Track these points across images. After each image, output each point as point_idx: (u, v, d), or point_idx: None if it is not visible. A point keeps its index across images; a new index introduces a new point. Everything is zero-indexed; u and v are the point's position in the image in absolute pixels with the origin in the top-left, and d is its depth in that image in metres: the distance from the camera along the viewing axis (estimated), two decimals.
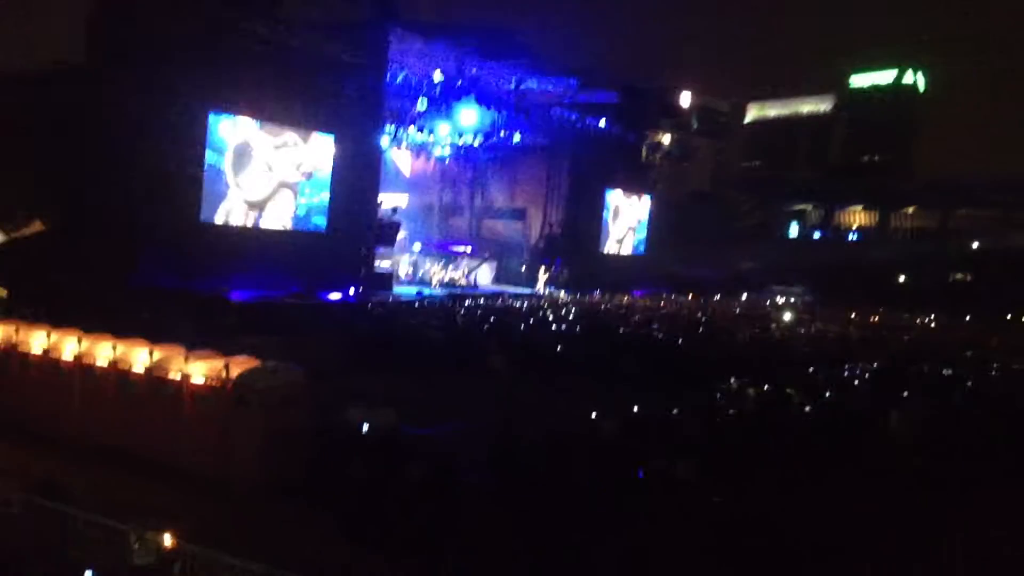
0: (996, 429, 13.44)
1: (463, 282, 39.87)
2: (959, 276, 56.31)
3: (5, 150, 27.41)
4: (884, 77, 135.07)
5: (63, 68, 27.03)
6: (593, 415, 12.30)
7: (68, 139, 24.77)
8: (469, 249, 43.30)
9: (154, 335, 11.57)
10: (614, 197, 47.80)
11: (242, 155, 27.37)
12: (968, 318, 38.25)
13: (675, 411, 12.97)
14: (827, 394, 15.37)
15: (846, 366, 19.34)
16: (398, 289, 33.72)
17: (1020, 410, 15.11)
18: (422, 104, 36.86)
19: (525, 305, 30.55)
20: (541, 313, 27.63)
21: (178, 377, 10.58)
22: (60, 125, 25.47)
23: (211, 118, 26.23)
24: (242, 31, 25.68)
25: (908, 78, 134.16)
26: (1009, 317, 40.22)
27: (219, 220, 27.03)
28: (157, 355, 10.89)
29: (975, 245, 62.04)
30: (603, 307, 33.30)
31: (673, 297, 41.86)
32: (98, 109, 23.61)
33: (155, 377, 10.76)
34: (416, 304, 28.34)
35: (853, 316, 35.38)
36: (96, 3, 23.94)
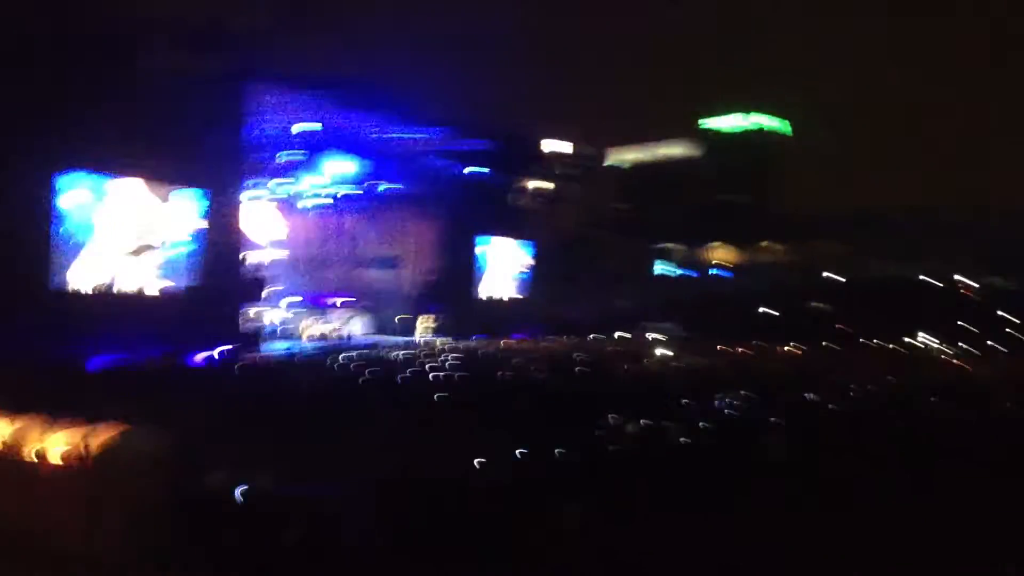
0: (860, 447, 14.11)
1: (337, 335, 39.08)
2: (817, 305, 59.38)
3: None
4: (736, 121, 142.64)
5: None
6: (474, 461, 12.16)
7: None
8: (341, 301, 42.58)
9: (9, 412, 10.81)
10: (487, 242, 48.25)
11: (93, 216, 26.12)
12: (827, 344, 40.28)
13: (557, 451, 12.98)
14: (701, 424, 15.78)
15: (716, 397, 19.94)
16: (268, 346, 32.72)
17: (879, 426, 15.95)
18: (287, 156, 36.36)
19: (402, 355, 30.18)
20: (418, 362, 27.33)
21: (37, 450, 9.90)
22: None
23: (57, 179, 24.97)
24: (89, 85, 24.62)
25: (760, 121, 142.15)
26: (862, 341, 42.62)
27: (72, 286, 25.62)
28: (13, 428, 10.17)
29: (831, 275, 65.73)
30: (480, 352, 33.27)
31: (551, 338, 42.31)
32: None
33: (12, 451, 10.02)
34: (287, 360, 27.54)
35: (721, 348, 36.63)
36: None
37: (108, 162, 26.20)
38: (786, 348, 38.61)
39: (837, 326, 47.13)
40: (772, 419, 16.24)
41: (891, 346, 40.74)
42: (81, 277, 25.95)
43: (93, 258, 26.20)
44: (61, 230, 25.20)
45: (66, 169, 25.19)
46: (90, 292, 26.11)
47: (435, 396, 20.33)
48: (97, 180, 26.13)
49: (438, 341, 38.71)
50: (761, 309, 57.14)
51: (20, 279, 23.44)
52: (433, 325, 41.86)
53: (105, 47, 25.52)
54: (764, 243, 73.82)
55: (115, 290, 26.97)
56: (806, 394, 20.60)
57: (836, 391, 21.56)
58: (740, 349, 37.29)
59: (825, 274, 65.85)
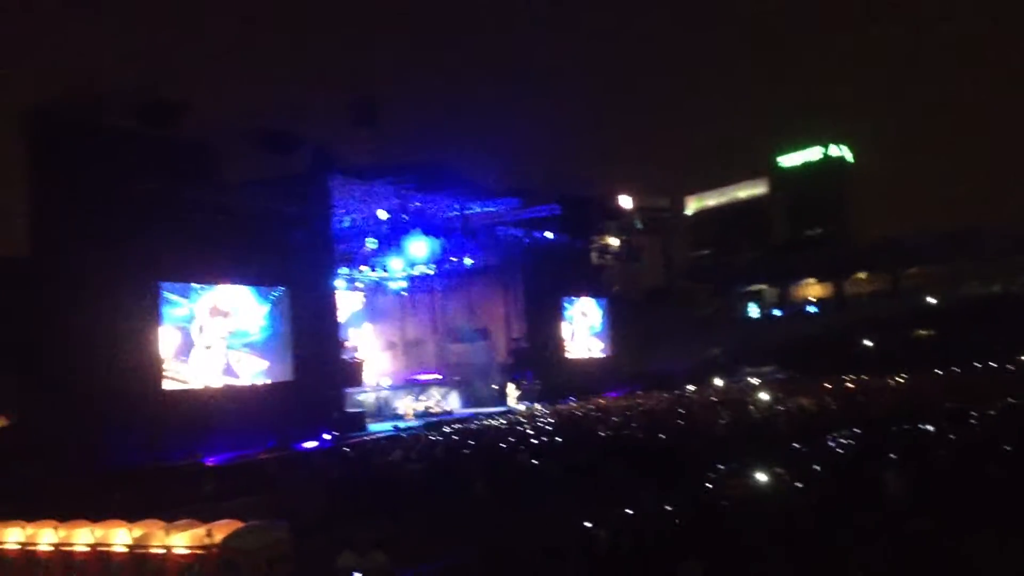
0: (986, 477, 13.46)
1: (436, 410, 39.53)
2: (921, 332, 57.30)
3: None
4: (811, 154, 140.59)
5: (6, 261, 27.13)
6: (587, 525, 12.08)
7: (19, 331, 24.60)
8: (438, 376, 43.18)
9: (131, 513, 11.30)
10: (572, 303, 48.41)
11: (197, 318, 27.36)
12: (937, 372, 38.72)
13: (668, 508, 12.80)
14: (815, 467, 15.32)
15: (827, 436, 19.35)
16: (372, 427, 33.32)
17: (1006, 451, 15.19)
18: (372, 243, 37.50)
19: (501, 423, 30.31)
20: (519, 428, 27.39)
21: (161, 551, 10.27)
22: (8, 319, 25.39)
23: (163, 287, 26.31)
24: (185, 200, 26.07)
25: (834, 151, 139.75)
26: (977, 365, 40.78)
27: (182, 386, 26.73)
28: (137, 532, 10.61)
29: (931, 301, 63.45)
30: (579, 413, 33.12)
31: (646, 393, 41.84)
32: (47, 298, 23.65)
33: (137, 554, 10.43)
34: (392, 439, 27.96)
35: (827, 386, 35.57)
36: (35, 196, 24.13)
37: (207, 269, 27.48)
38: (893, 379, 37.23)
39: (943, 351, 45.30)
40: (890, 455, 15.66)
41: (1008, 367, 38.76)
42: (189, 377, 27.06)
43: (199, 358, 27.33)
44: (168, 333, 26.41)
45: (170, 277, 26.51)
46: (199, 390, 27.17)
47: (538, 462, 20.34)
48: (198, 287, 27.40)
49: (535, 406, 38.74)
50: (863, 342, 55.43)
51: (133, 382, 24.57)
52: (526, 391, 41.96)
53: (196, 160, 27.10)
54: (856, 274, 71.72)
55: (223, 386, 27.99)
56: (920, 425, 19.79)
57: (954, 419, 20.66)
58: (845, 385, 36.16)
59: (926, 299, 63.60)
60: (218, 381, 27.92)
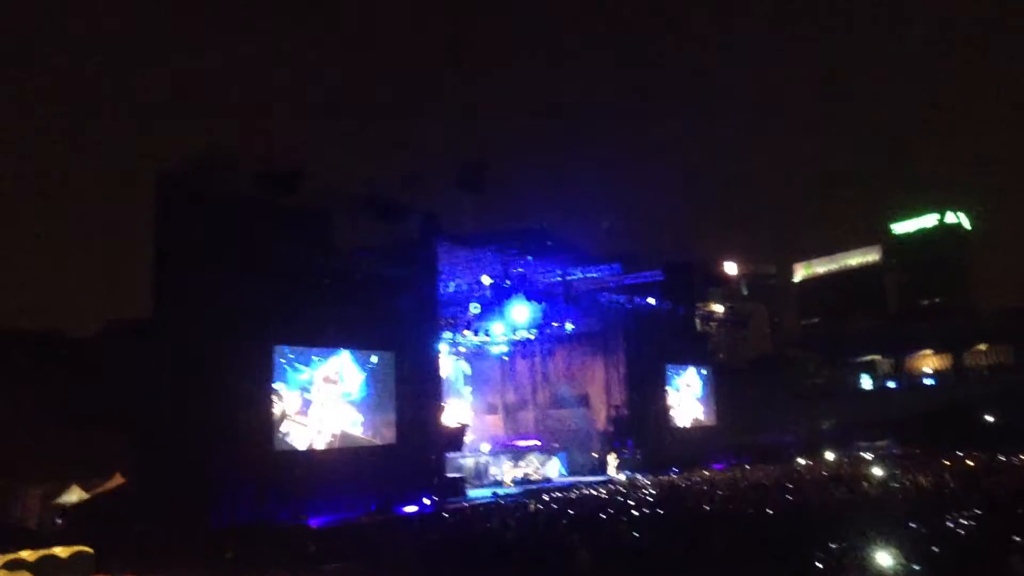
0: None
1: (535, 476, 39.27)
2: None
3: (79, 409, 28.68)
4: (926, 221, 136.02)
5: (127, 323, 28.46)
6: None
7: (138, 392, 25.80)
8: (538, 443, 42.97)
9: (240, 573, 11.61)
10: (675, 371, 47.64)
11: (309, 381, 28.18)
12: None
13: None
14: (934, 549, 14.52)
15: (948, 516, 18.32)
16: (472, 492, 33.33)
17: None
18: (475, 308, 38.06)
19: (602, 493, 29.83)
20: (619, 499, 26.90)
21: None
22: (127, 379, 26.69)
23: (276, 350, 27.25)
24: (297, 266, 27.09)
25: (951, 218, 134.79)
26: None
27: (292, 447, 27.43)
28: None
29: None
30: (683, 485, 32.30)
31: (753, 466, 40.52)
32: (164, 359, 24.59)
33: None
34: (491, 506, 27.85)
35: (946, 463, 33.77)
36: (159, 259, 25.32)
37: (318, 333, 28.38)
38: (1018, 457, 34.98)
39: None
40: (1015, 538, 14.72)
41: None
42: (300, 441, 27.77)
43: (310, 422, 28.06)
44: (279, 397, 27.26)
45: (284, 340, 27.47)
46: (306, 452, 27.81)
47: (641, 535, 19.91)
48: (309, 351, 28.28)
49: (637, 476, 38.02)
50: (984, 416, 52.45)
51: (247, 448, 25.35)
52: (626, 460, 41.26)
53: (311, 227, 28.24)
54: (976, 346, 68.20)
55: (330, 449, 28.60)
56: None
57: None
58: (965, 462, 34.21)
59: None
60: (324, 443, 28.47)
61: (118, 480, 27.47)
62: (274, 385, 27.09)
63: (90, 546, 16.56)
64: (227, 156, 26.90)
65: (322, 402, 28.65)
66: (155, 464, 24.33)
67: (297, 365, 28.02)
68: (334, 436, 28.99)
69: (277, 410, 27.24)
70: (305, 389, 28.13)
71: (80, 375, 31.28)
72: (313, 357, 28.53)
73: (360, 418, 29.86)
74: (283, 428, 27.25)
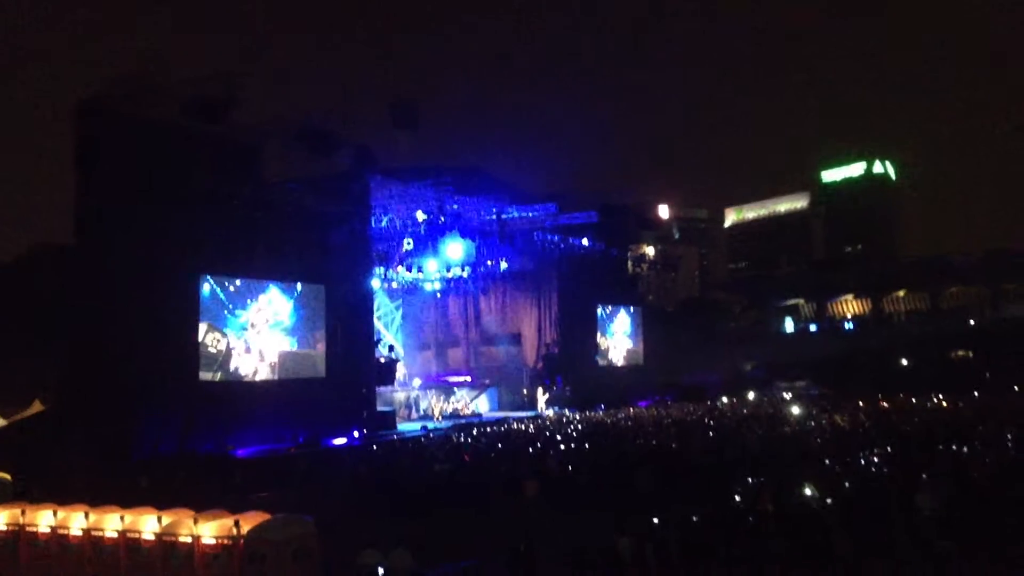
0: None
1: (466, 412, 39.65)
2: (960, 353, 56.29)
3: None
4: (854, 170, 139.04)
5: (49, 250, 27.40)
6: (614, 532, 12.04)
7: (60, 319, 25.04)
8: (469, 378, 43.28)
9: (162, 502, 11.44)
10: (605, 312, 48.25)
11: (234, 313, 27.65)
12: (975, 394, 38.00)
13: (694, 519, 12.71)
14: (847, 485, 15.12)
15: (861, 454, 19.08)
16: (402, 426, 33.49)
17: None
18: (408, 244, 37.73)
19: (531, 428, 30.28)
20: (548, 434, 27.34)
21: (189, 539, 10.39)
22: (49, 306, 25.84)
23: (201, 281, 26.61)
24: (226, 196, 26.34)
25: (878, 168, 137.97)
26: (1017, 388, 39.96)
27: (217, 378, 27.02)
28: (166, 520, 10.74)
29: (971, 322, 62.31)
30: (610, 421, 33.00)
31: (678, 404, 41.56)
32: (88, 287, 23.90)
33: (166, 542, 10.57)
34: (421, 439, 28.06)
35: (861, 404, 35.11)
36: (80, 185, 24.36)
37: (245, 264, 27.79)
38: (931, 400, 36.62)
39: (982, 373, 44.41)
40: (923, 476, 15.41)
41: None
42: (225, 372, 27.37)
43: (235, 354, 27.63)
44: (204, 328, 26.73)
45: (206, 272, 26.82)
46: (232, 383, 27.45)
47: (567, 467, 20.30)
48: (235, 282, 27.71)
49: (565, 412, 38.65)
50: (900, 361, 54.59)
51: (170, 376, 24.89)
52: (555, 397, 41.90)
53: (239, 157, 27.38)
54: (896, 292, 70.54)
55: (256, 380, 28.28)
56: (955, 446, 19.45)
57: (991, 443, 20.27)
58: (882, 403, 35.64)
59: (969, 320, 62.44)
60: (250, 375, 28.12)
61: (37, 407, 26.79)
62: (200, 315, 26.51)
63: (9, 473, 16.18)
64: (153, 81, 25.79)
65: (258, 331, 28.36)
66: (76, 393, 23.79)
67: (236, 311, 27.67)
68: (273, 363, 28.85)
69: (222, 347, 27.00)
70: (244, 328, 27.82)
71: (1, 301, 30.23)
72: (248, 300, 28.13)
73: (294, 341, 29.63)
74: (208, 358, 26.75)
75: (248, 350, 28.22)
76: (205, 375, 26.61)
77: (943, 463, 17.32)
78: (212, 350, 27.08)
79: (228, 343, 27.54)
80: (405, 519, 14.98)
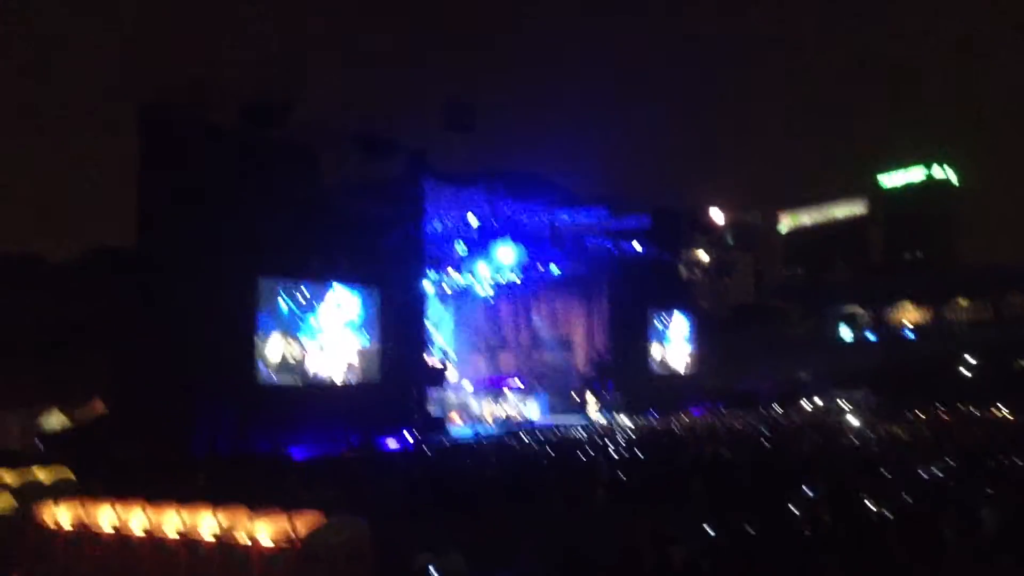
0: None
1: (516, 417, 39.65)
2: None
3: (60, 335, 28.56)
4: (914, 175, 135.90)
5: (107, 251, 28.14)
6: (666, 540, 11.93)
7: (122, 319, 25.71)
8: (519, 383, 43.29)
9: (217, 500, 11.66)
10: (658, 318, 47.91)
11: (292, 315, 28.13)
12: None
13: (750, 530, 12.54)
14: (906, 497, 14.79)
15: (921, 467, 18.64)
16: (453, 431, 33.64)
17: None
18: (461, 248, 37.90)
19: (583, 434, 30.18)
20: (600, 441, 27.22)
21: (247, 541, 10.58)
22: (110, 308, 26.55)
23: (260, 282, 27.13)
24: (283, 199, 26.83)
25: (938, 173, 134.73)
26: None
27: (274, 380, 27.48)
28: (222, 518, 10.95)
29: None
30: (662, 428, 32.74)
31: (731, 412, 41.05)
32: (149, 289, 24.61)
33: (225, 544, 10.77)
34: (472, 444, 28.13)
35: (921, 415, 34.33)
36: (143, 190, 25.15)
37: (302, 266, 28.24)
38: (994, 412, 35.60)
39: None
40: (986, 490, 15.01)
41: None
42: (281, 373, 27.83)
43: (293, 356, 28.10)
44: (263, 330, 27.23)
45: (266, 275, 27.34)
46: (288, 387, 27.90)
47: (616, 475, 20.19)
48: (294, 284, 28.18)
49: (615, 418, 38.45)
50: (960, 370, 53.20)
51: (228, 376, 25.37)
52: (606, 403, 41.69)
53: (297, 161, 27.90)
54: (957, 300, 68.75)
55: (312, 383, 28.70)
56: (1020, 460, 18.89)
57: None
58: (940, 414, 34.79)
59: None
60: (306, 378, 28.58)
61: (99, 408, 27.52)
62: (258, 316, 27.06)
63: (71, 469, 16.64)
64: (214, 88, 26.48)
65: (332, 331, 29.34)
66: (135, 393, 24.38)
67: (306, 315, 28.43)
68: (351, 363, 29.91)
69: (297, 353, 27.95)
70: (317, 331, 28.72)
71: (61, 301, 31.10)
72: (315, 303, 28.79)
73: (342, 352, 29.99)
74: (267, 359, 27.25)
75: (323, 351, 28.82)
76: (285, 379, 27.35)
77: (1008, 477, 16.85)
78: (291, 360, 27.91)
79: (302, 348, 28.12)
80: (458, 523, 15.04)
